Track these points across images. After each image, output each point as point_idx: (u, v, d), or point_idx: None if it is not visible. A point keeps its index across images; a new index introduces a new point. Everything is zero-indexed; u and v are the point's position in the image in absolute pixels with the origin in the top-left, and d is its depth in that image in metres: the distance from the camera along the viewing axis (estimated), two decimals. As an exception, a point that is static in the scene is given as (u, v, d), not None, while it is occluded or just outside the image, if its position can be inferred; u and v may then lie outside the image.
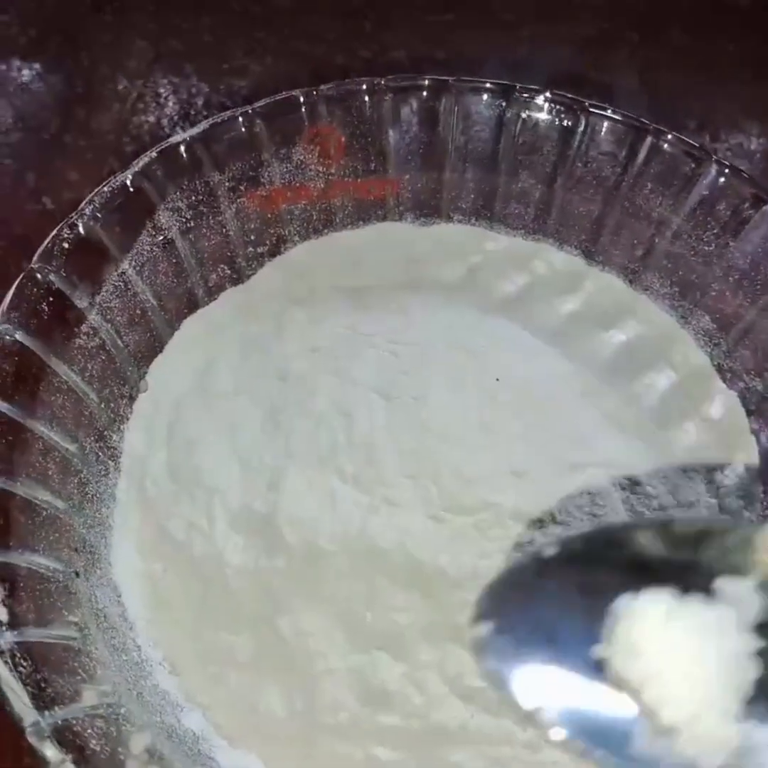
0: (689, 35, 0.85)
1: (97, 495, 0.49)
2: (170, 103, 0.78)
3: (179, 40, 0.83)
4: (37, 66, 0.81)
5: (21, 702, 0.36)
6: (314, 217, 0.59)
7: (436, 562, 0.46)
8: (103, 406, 0.50)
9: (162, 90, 0.79)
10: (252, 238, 0.57)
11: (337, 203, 0.58)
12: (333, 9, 0.85)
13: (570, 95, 0.55)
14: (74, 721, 0.37)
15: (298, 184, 0.57)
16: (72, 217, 0.49)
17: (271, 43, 0.82)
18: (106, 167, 0.73)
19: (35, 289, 0.47)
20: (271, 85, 0.77)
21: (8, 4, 0.85)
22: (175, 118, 0.77)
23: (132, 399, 0.53)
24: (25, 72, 0.81)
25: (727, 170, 0.53)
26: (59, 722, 0.37)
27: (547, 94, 0.55)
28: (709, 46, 0.84)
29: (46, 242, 0.48)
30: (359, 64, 0.81)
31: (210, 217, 0.55)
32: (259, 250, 0.58)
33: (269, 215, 0.57)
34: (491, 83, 0.55)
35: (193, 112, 0.77)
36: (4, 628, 0.38)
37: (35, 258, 0.47)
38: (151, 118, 0.77)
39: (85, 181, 0.71)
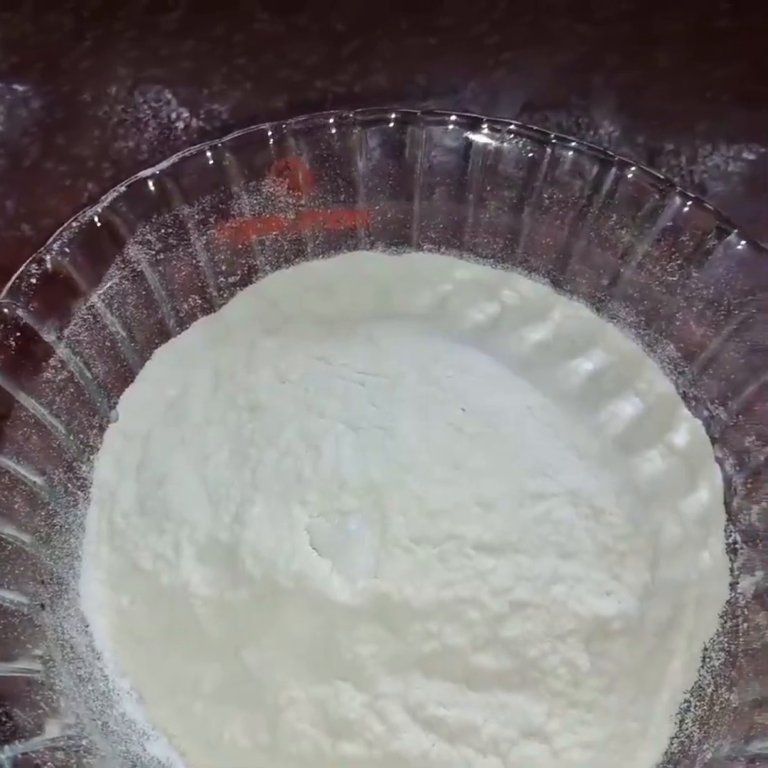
0: (670, 59, 0.86)
1: (66, 526, 0.50)
2: (150, 129, 0.78)
3: (160, 66, 0.83)
4: (18, 91, 0.81)
5: (-20, 737, 0.37)
6: (285, 247, 0.59)
7: (401, 594, 0.47)
8: (71, 437, 0.51)
9: (142, 115, 0.79)
10: (223, 268, 0.58)
11: (307, 233, 0.59)
12: (315, 35, 0.86)
13: (536, 127, 0.56)
14: (34, 755, 0.38)
15: (268, 216, 0.57)
16: (40, 252, 0.50)
17: (252, 69, 0.83)
18: (86, 193, 0.73)
19: (2, 325, 0.47)
20: (251, 110, 0.79)
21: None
22: (155, 143, 0.77)
23: (102, 429, 0.54)
24: (7, 98, 0.81)
25: (690, 201, 0.54)
26: (19, 756, 0.37)
27: (512, 126, 0.55)
28: (689, 69, 0.85)
29: (13, 278, 0.48)
30: (339, 89, 0.82)
31: (180, 249, 0.56)
32: (231, 279, 0.59)
33: (240, 246, 0.57)
34: (457, 115, 0.56)
35: (173, 138, 0.78)
36: (-36, 664, 0.39)
37: (3, 294, 0.48)
38: (131, 144, 0.77)
39: (65, 207, 0.72)
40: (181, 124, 0.79)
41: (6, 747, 0.37)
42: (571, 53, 0.88)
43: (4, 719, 0.38)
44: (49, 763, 0.38)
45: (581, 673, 0.48)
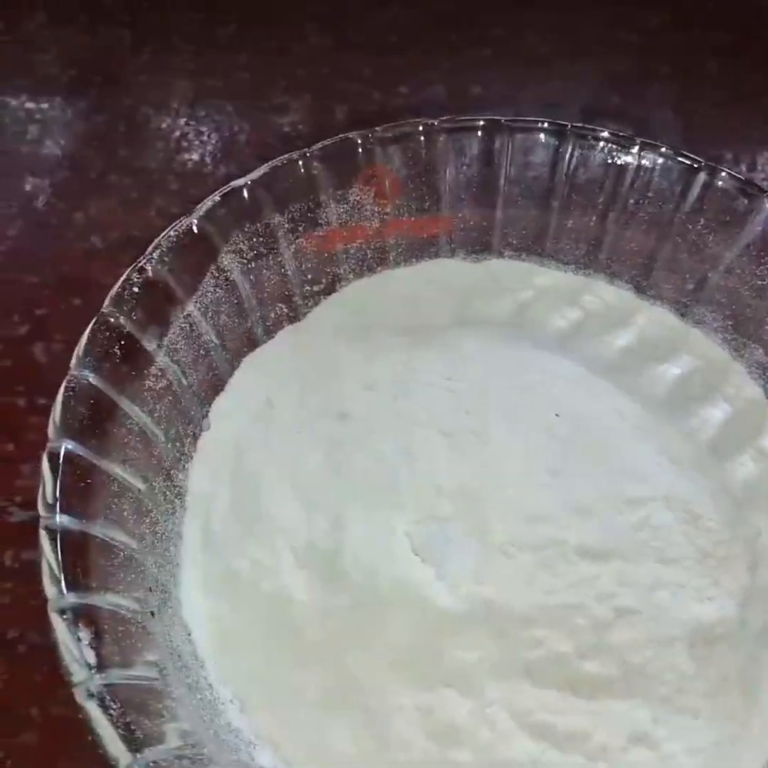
0: (722, 66, 0.87)
1: (166, 534, 0.50)
2: (213, 141, 0.79)
3: (218, 78, 0.84)
4: (79, 105, 0.82)
5: (115, 745, 0.37)
6: (369, 256, 0.60)
7: (504, 599, 0.47)
8: (169, 445, 0.51)
9: (204, 128, 0.80)
10: (309, 277, 0.58)
11: (391, 242, 0.59)
12: (369, 46, 0.87)
13: (622, 133, 0.56)
14: (165, 763, 0.38)
15: (354, 224, 0.58)
16: (140, 262, 0.50)
17: (310, 80, 0.84)
18: (153, 206, 0.74)
19: (107, 333, 0.48)
20: (311, 121, 0.79)
21: (48, 44, 0.87)
22: (219, 155, 0.78)
23: (195, 438, 0.54)
24: (68, 111, 0.82)
25: (780, 204, 0.54)
26: (151, 764, 0.37)
27: (602, 134, 0.56)
28: (742, 77, 0.85)
29: (116, 287, 0.49)
30: (397, 100, 0.83)
31: (270, 258, 0.56)
32: (315, 288, 0.59)
33: (326, 255, 0.58)
34: (547, 122, 0.56)
35: (236, 150, 0.78)
36: (93, 671, 0.39)
37: (106, 302, 0.48)
38: (195, 156, 0.78)
39: (133, 220, 0.73)
40: (243, 137, 0.80)
41: (138, 755, 0.37)
42: (623, 62, 0.89)
43: (132, 727, 0.38)
44: None
45: (686, 678, 0.48)
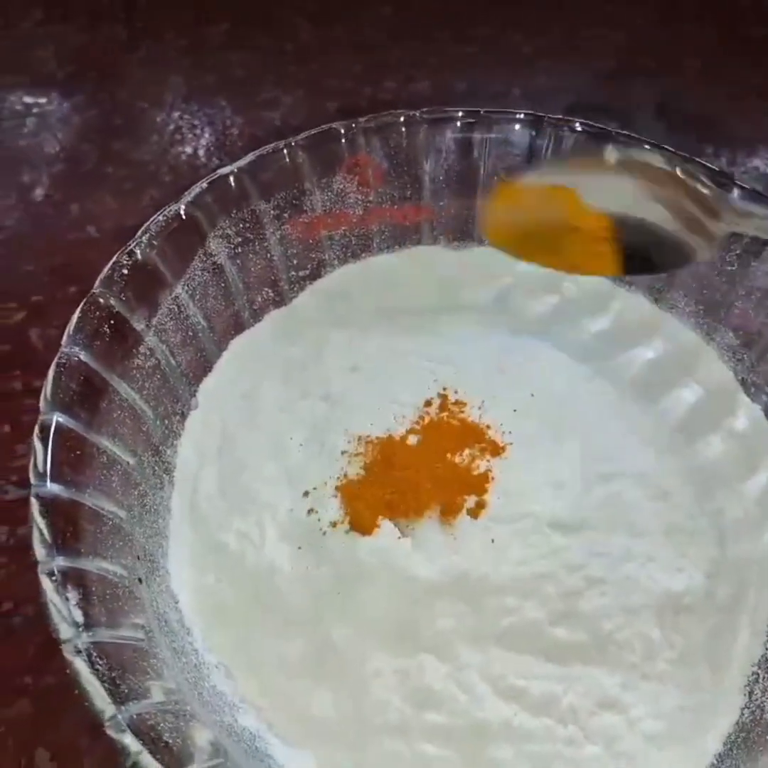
0: (705, 65, 0.88)
1: (154, 507, 0.52)
2: (206, 135, 0.81)
3: (212, 74, 0.86)
4: (75, 100, 0.84)
5: (100, 698, 0.38)
6: (353, 242, 0.61)
7: (479, 570, 0.48)
8: (158, 422, 0.53)
9: (197, 122, 0.82)
10: (294, 262, 0.60)
11: (374, 229, 0.61)
12: (359, 44, 0.89)
13: (598, 125, 0.58)
14: (147, 715, 0.39)
15: (338, 211, 0.59)
16: (130, 245, 0.52)
17: (301, 76, 0.86)
18: (147, 196, 0.76)
19: (97, 313, 0.49)
20: (302, 115, 0.81)
21: (46, 41, 0.89)
22: (212, 148, 0.80)
23: (183, 416, 0.56)
24: (65, 105, 0.84)
25: (749, 194, 0.56)
26: (135, 716, 0.39)
27: (575, 124, 0.57)
28: (724, 75, 0.87)
29: (106, 269, 0.50)
30: (385, 95, 0.84)
31: (256, 243, 0.58)
32: (301, 273, 0.61)
33: (311, 241, 0.60)
34: (523, 113, 0.58)
35: (228, 143, 0.80)
36: (80, 629, 0.40)
37: (97, 283, 0.50)
38: (189, 149, 0.80)
39: (127, 210, 0.75)
40: (235, 130, 0.82)
41: (123, 707, 0.39)
42: (608, 60, 0.91)
43: (117, 682, 0.40)
44: (161, 724, 0.40)
45: (653, 646, 0.49)
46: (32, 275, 0.71)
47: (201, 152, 0.79)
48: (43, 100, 0.84)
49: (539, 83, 0.88)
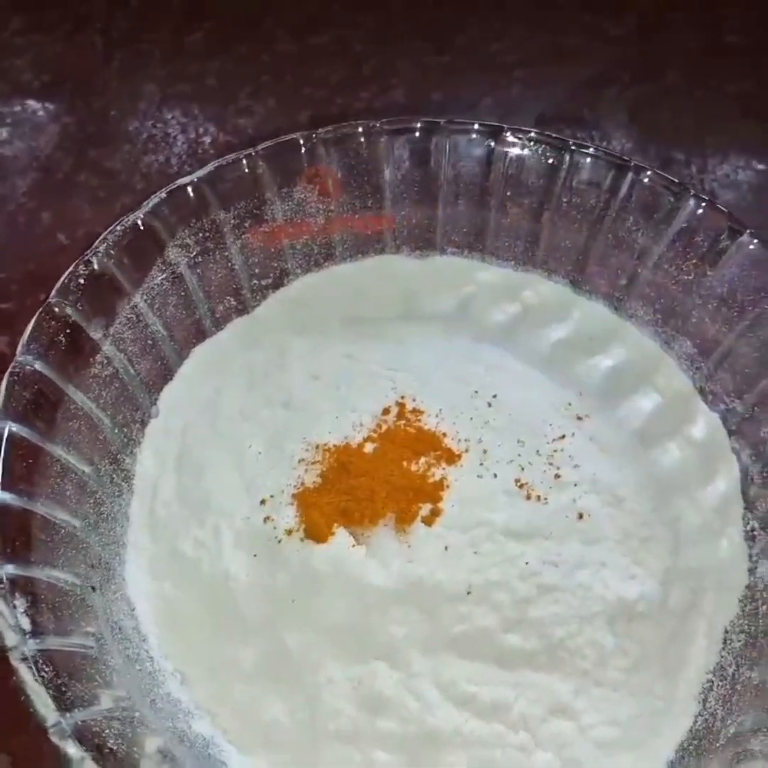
0: (678, 74, 0.89)
1: (112, 514, 0.52)
2: (179, 143, 0.81)
3: (186, 83, 0.86)
4: (50, 108, 0.84)
5: (43, 704, 0.39)
6: (315, 251, 0.62)
7: (433, 577, 0.49)
8: (116, 430, 0.53)
9: (171, 130, 0.82)
10: (256, 271, 0.60)
11: (336, 238, 0.61)
12: (335, 54, 0.89)
13: (555, 135, 0.58)
14: (92, 722, 0.40)
15: (299, 221, 0.60)
16: (87, 255, 0.52)
17: (275, 86, 0.86)
18: (119, 204, 0.76)
19: (53, 322, 0.50)
20: (275, 125, 0.82)
21: (22, 50, 0.89)
22: (184, 156, 0.80)
23: (144, 424, 0.56)
24: (40, 114, 0.84)
25: (704, 203, 0.56)
26: (79, 723, 0.39)
27: (532, 134, 0.58)
28: (698, 84, 0.87)
29: (62, 278, 0.51)
30: (359, 105, 0.85)
31: (216, 253, 0.58)
32: (263, 282, 0.61)
33: (272, 250, 0.60)
34: (480, 124, 0.58)
35: (201, 151, 0.81)
36: (27, 636, 0.41)
37: (53, 293, 0.50)
38: (161, 157, 0.80)
39: (99, 218, 0.75)
40: (208, 139, 0.82)
41: (68, 714, 0.39)
42: (584, 70, 0.91)
43: (63, 689, 0.40)
44: (106, 731, 0.40)
45: (606, 653, 0.50)
46: (2, 282, 0.71)
47: (173, 160, 0.80)
48: (18, 109, 0.84)
49: (514, 93, 0.88)
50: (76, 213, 0.76)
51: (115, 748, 0.40)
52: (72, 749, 0.38)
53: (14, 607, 0.41)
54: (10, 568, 0.42)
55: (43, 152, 0.81)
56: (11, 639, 0.40)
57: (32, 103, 0.85)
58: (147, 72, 0.87)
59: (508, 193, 0.60)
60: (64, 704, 0.40)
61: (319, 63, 0.89)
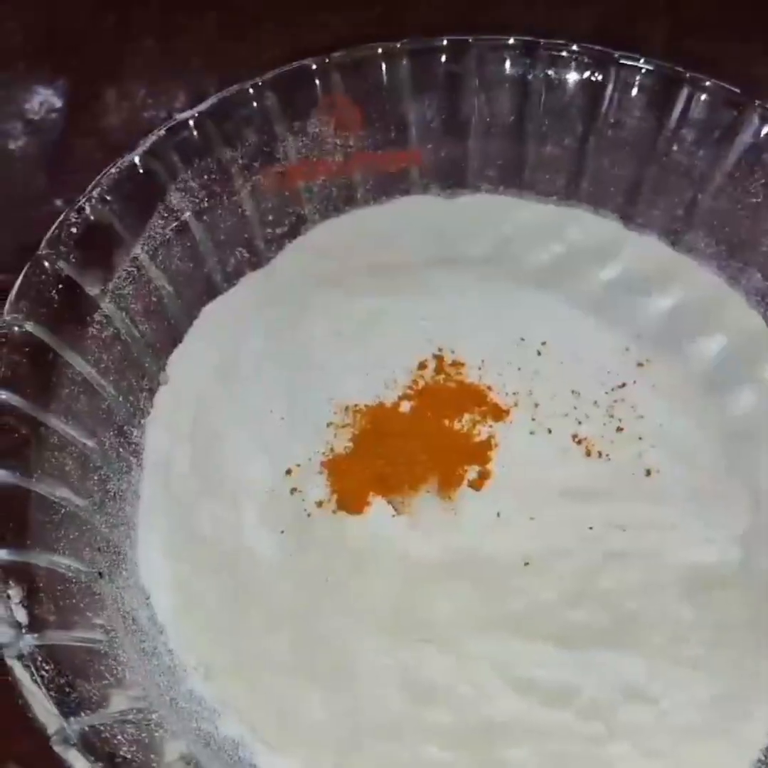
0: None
1: (119, 493, 0.48)
2: (180, 97, 0.77)
3: (185, 36, 0.82)
4: (41, 72, 0.80)
5: (44, 708, 0.34)
6: (334, 194, 0.57)
7: (483, 547, 0.45)
8: (121, 399, 0.49)
9: (171, 85, 0.78)
10: (270, 218, 0.56)
11: (357, 178, 0.57)
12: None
13: (598, 47, 0.53)
14: (103, 728, 0.36)
15: (315, 159, 0.55)
16: (79, 201, 0.48)
17: (280, 35, 0.81)
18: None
19: (43, 277, 0.45)
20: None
21: (13, 11, 0.85)
22: (185, 110, 0.76)
23: (151, 392, 0.51)
24: (31, 78, 0.80)
25: (768, 117, 0.51)
26: (86, 728, 0.35)
27: (574, 48, 0.53)
28: (737, 11, 0.82)
29: (53, 228, 0.46)
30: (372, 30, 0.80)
31: (224, 198, 0.53)
32: (278, 231, 0.56)
33: (287, 193, 0.55)
34: (515, 39, 0.53)
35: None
36: (23, 630, 0.36)
37: (42, 244, 0.46)
38: (162, 113, 0.76)
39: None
40: (212, 92, 0.77)
41: (72, 719, 0.35)
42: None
43: (67, 690, 0.36)
44: (119, 737, 0.36)
45: (684, 627, 0.45)
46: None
47: (175, 116, 0.75)
48: (9, 73, 0.80)
49: (542, 25, 0.83)
50: (71, 176, 0.72)
51: (129, 756, 0.36)
52: (77, 761, 0.33)
53: (8, 597, 0.37)
54: (3, 554, 0.38)
55: (36, 116, 0.77)
56: (4, 634, 0.36)
57: (23, 66, 0.81)
58: (143, 26, 0.83)
59: (548, 120, 0.55)
60: (68, 707, 0.35)
61: (326, 9, 0.84)
